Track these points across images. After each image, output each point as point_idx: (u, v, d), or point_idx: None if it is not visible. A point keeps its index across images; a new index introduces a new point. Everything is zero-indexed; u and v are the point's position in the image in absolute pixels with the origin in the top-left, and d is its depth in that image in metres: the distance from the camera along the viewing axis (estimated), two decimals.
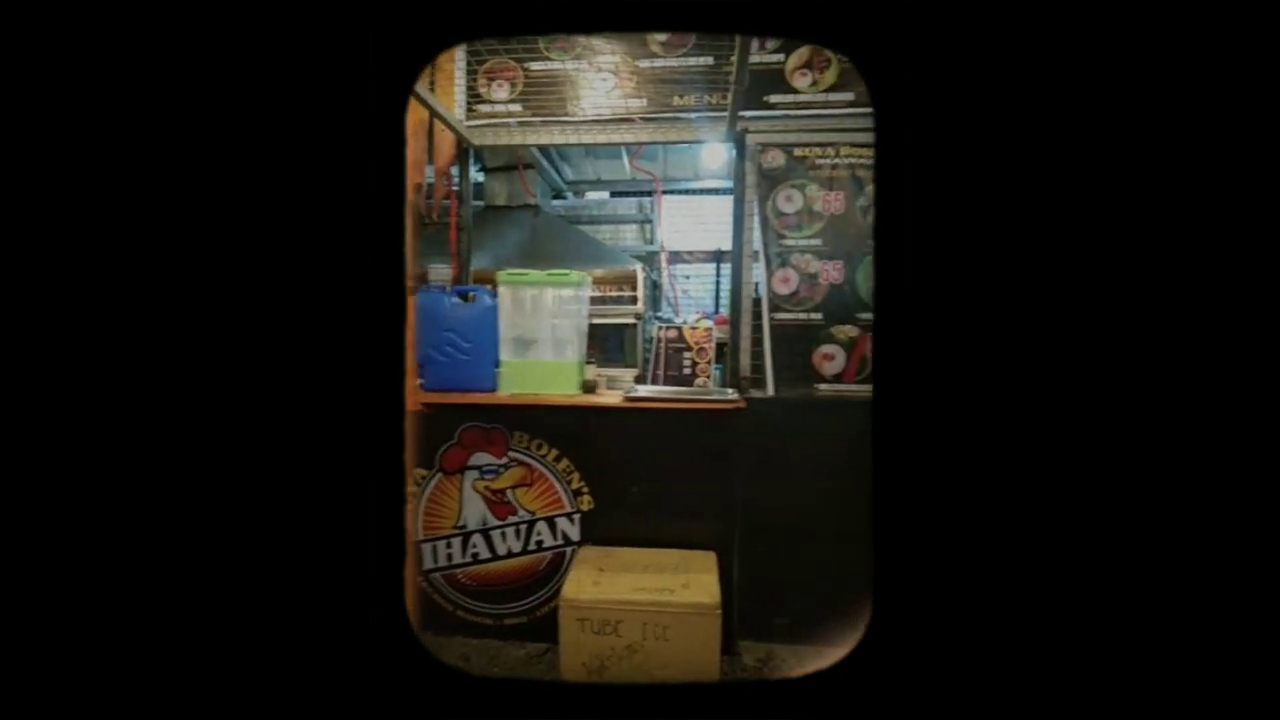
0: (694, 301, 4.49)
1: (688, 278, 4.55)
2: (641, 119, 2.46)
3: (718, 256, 4.17)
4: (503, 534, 2.23)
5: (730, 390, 2.30)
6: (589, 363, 2.42)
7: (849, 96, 2.24)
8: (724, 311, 3.10)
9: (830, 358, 2.28)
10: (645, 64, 2.39)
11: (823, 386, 2.28)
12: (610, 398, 2.30)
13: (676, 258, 4.38)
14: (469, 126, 2.55)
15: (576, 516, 2.24)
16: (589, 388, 2.33)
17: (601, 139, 2.52)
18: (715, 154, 3.49)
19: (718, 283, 4.25)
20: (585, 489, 2.23)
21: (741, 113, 2.28)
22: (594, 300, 2.88)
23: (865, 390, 2.27)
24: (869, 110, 2.41)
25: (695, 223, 4.47)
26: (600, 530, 2.24)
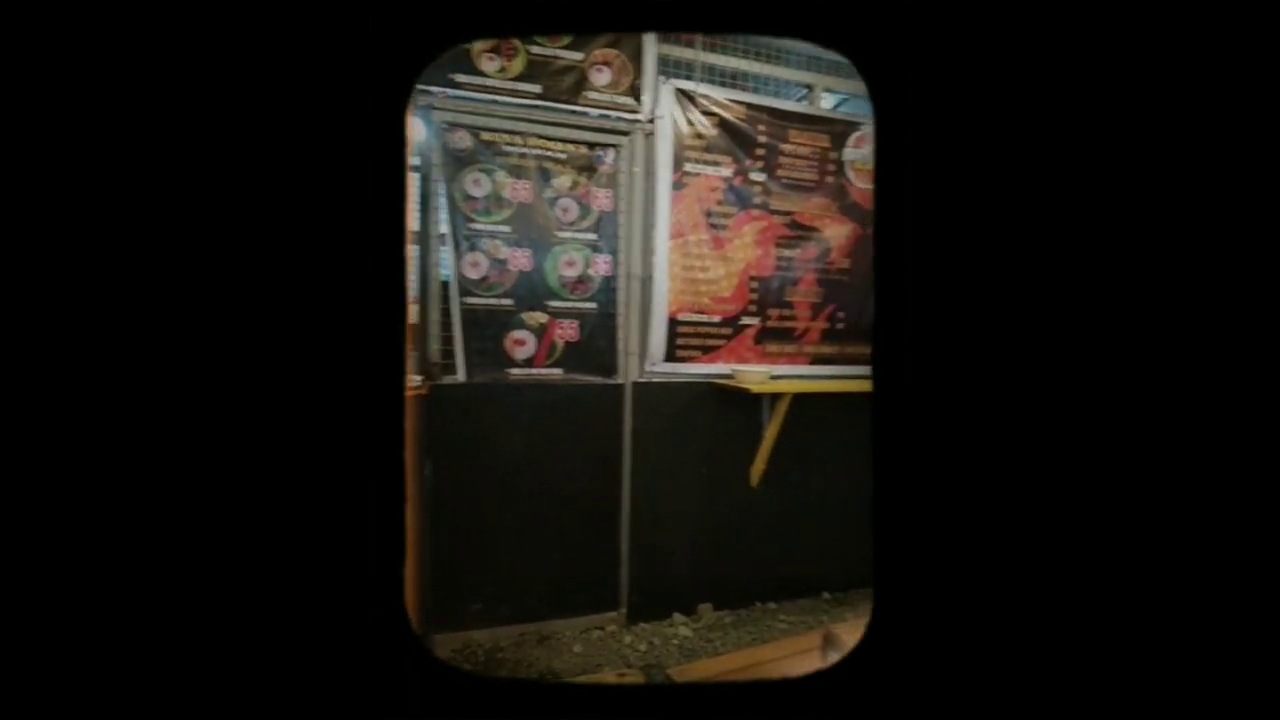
0: None
1: None
2: None
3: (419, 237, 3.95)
4: None
5: (417, 376, 2.20)
6: None
7: (536, 89, 2.30)
8: None
9: (521, 343, 2.34)
10: None
11: (514, 371, 2.33)
12: None
13: None
14: None
15: None
16: None
17: None
18: (415, 129, 3.28)
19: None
20: None
21: (427, 87, 2.18)
22: None
23: (555, 374, 2.39)
24: (557, 106, 2.49)
25: None
26: None
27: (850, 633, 1.55)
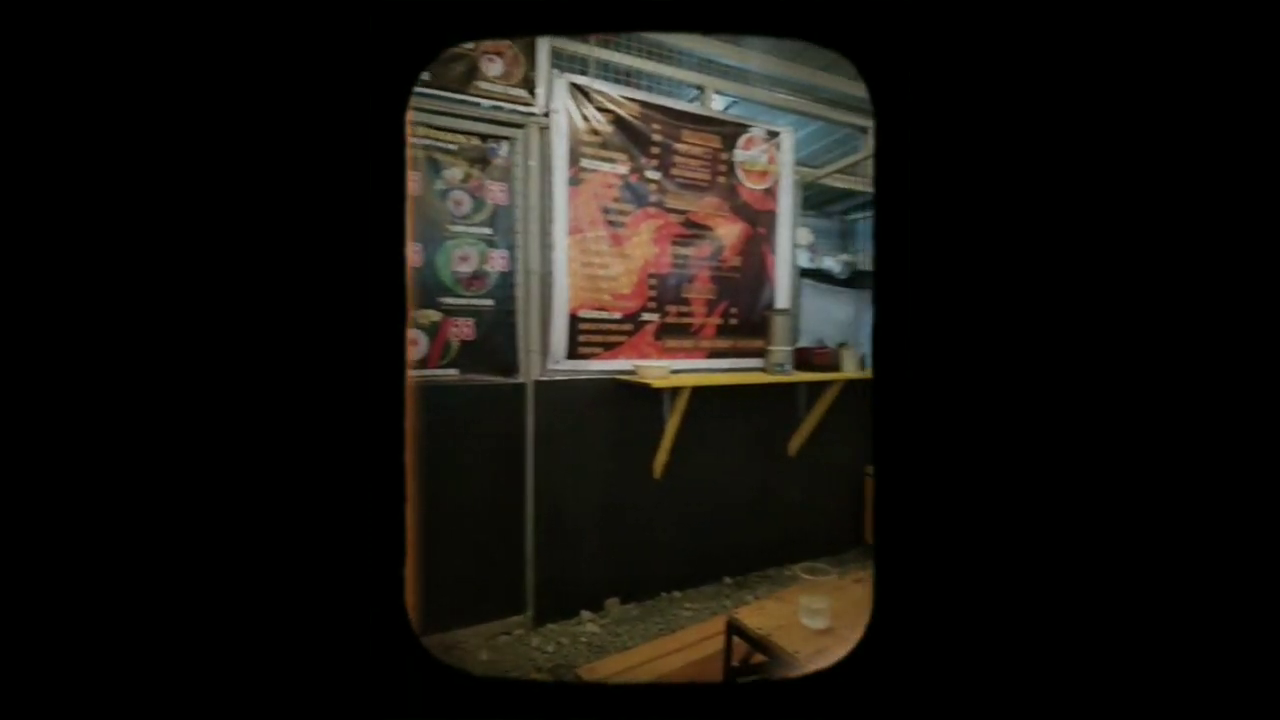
0: None
1: None
2: None
3: None
4: None
5: None
6: None
7: (425, 75, 2.18)
8: None
9: (413, 342, 2.22)
10: None
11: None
12: None
13: None
14: None
15: None
16: None
17: None
18: None
19: None
20: None
21: None
22: None
23: (451, 374, 2.29)
24: (447, 94, 2.37)
25: None
26: None
27: (750, 616, 1.62)
